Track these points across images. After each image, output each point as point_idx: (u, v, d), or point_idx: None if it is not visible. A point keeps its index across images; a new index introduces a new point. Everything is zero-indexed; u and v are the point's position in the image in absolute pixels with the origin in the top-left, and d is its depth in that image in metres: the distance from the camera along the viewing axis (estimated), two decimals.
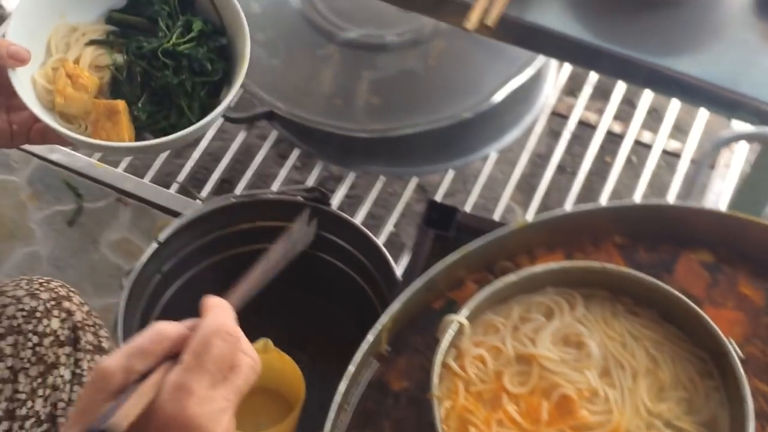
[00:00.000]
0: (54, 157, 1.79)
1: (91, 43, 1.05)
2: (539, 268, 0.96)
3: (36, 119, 1.00)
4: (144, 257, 1.36)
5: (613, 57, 1.08)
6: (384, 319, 0.94)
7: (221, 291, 1.40)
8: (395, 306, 0.95)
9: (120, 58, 1.04)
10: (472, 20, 1.04)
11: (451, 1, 1.10)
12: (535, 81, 1.74)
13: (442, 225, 1.12)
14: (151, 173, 1.82)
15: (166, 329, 0.73)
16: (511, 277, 0.95)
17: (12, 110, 1.02)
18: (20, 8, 1.00)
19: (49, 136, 1.04)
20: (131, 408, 0.68)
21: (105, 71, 1.04)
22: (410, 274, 1.12)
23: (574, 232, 1.01)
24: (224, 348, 0.73)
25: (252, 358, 0.76)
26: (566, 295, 0.97)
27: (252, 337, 1.30)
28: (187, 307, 1.15)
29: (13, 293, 1.07)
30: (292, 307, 1.52)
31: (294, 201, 1.43)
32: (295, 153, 1.82)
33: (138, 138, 1.02)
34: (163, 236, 1.38)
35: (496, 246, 1.00)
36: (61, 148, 1.80)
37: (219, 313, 0.77)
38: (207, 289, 1.40)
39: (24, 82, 0.98)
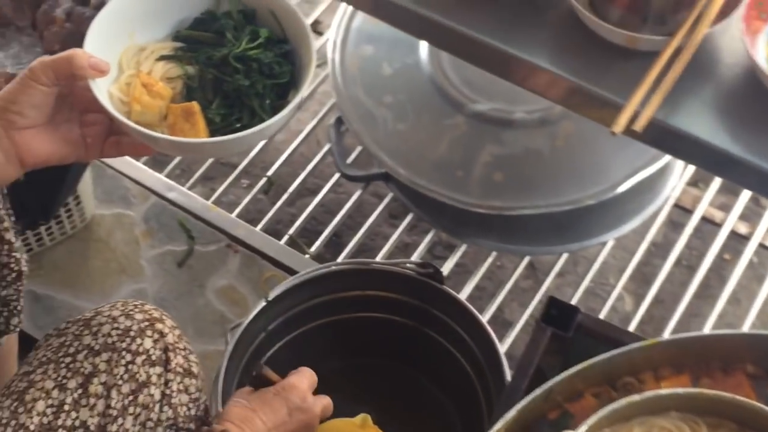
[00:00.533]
0: (171, 195, 1.81)
1: (161, 58, 1.10)
2: (665, 391, 0.92)
3: (109, 132, 1.06)
4: (252, 314, 1.36)
5: (761, 173, 1.04)
6: (498, 425, 0.91)
7: (323, 354, 1.40)
8: (511, 414, 0.92)
9: (191, 69, 1.09)
10: (621, 123, 1.00)
11: (600, 100, 1.07)
12: (662, 172, 1.69)
13: (561, 324, 1.09)
14: (263, 221, 1.82)
15: None
16: (635, 398, 0.91)
17: (85, 125, 1.05)
18: (92, 29, 1.06)
19: (123, 148, 1.08)
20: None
21: (177, 81, 1.09)
22: (522, 369, 1.09)
23: (704, 355, 0.96)
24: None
25: None
26: (691, 422, 0.92)
27: (351, 407, 1.30)
28: (287, 366, 1.17)
29: (108, 313, 1.13)
30: (393, 379, 1.50)
31: (407, 274, 1.41)
32: (408, 216, 1.81)
33: None
34: (272, 295, 1.38)
35: (622, 361, 0.96)
36: (179, 186, 1.82)
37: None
38: (310, 351, 1.40)
39: (102, 94, 1.02)
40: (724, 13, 1.06)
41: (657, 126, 1.05)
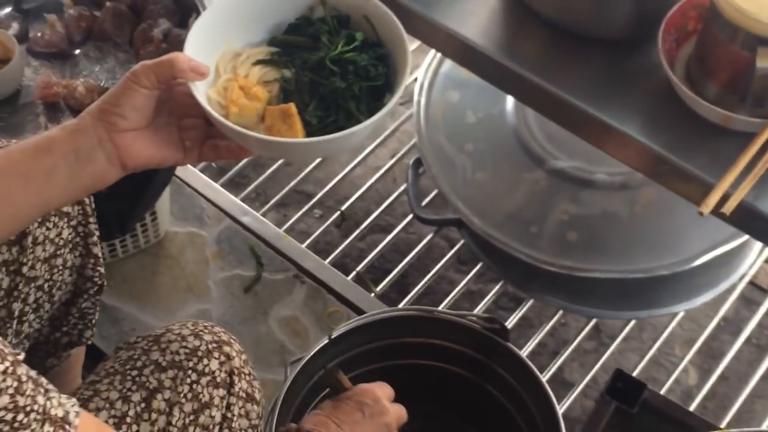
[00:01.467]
0: (245, 219, 1.82)
1: (257, 63, 1.11)
2: None
3: (206, 136, 1.07)
4: (313, 350, 1.36)
5: None
6: None
7: None
8: None
9: (287, 72, 1.10)
10: (710, 204, 0.99)
11: (688, 176, 1.05)
12: (741, 248, 1.66)
13: (626, 398, 1.07)
14: (333, 254, 1.83)
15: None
16: None
17: (183, 129, 1.07)
18: (191, 36, 1.06)
19: (220, 152, 1.09)
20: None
21: (273, 85, 1.10)
22: None
23: None
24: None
25: None
26: None
27: None
28: None
29: (179, 331, 1.14)
30: (446, 430, 1.48)
31: (471, 327, 1.40)
32: (478, 265, 1.79)
33: None
34: (335, 333, 1.38)
35: None
36: (253, 212, 1.84)
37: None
38: None
39: (202, 97, 1.03)
40: None
41: (745, 209, 1.03)
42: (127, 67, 1.49)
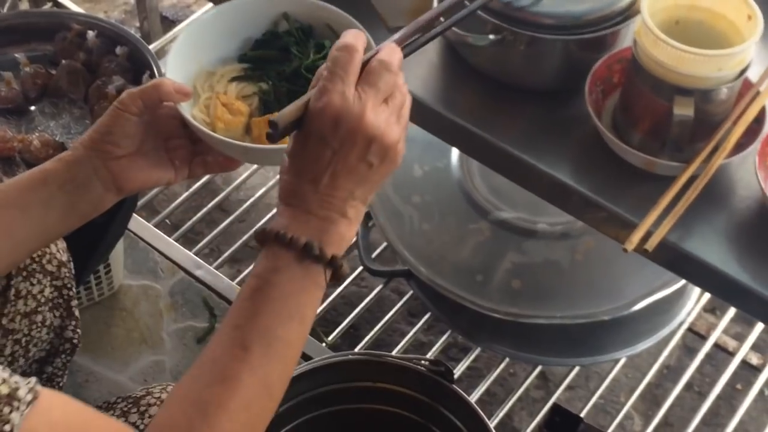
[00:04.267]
0: (198, 273, 1.85)
1: (233, 79, 1.16)
2: None
3: (193, 154, 1.12)
4: None
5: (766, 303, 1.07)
6: None
7: None
8: None
9: (264, 85, 1.15)
10: (633, 241, 1.04)
11: (615, 218, 1.11)
12: (678, 294, 1.72)
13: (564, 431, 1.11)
14: None
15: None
16: None
17: (170, 150, 1.11)
18: (169, 61, 1.13)
19: (209, 166, 1.14)
20: (291, 108, 0.89)
21: (252, 98, 1.15)
22: None
23: None
24: (389, 78, 0.90)
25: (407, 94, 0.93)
26: None
27: None
28: None
29: (159, 395, 1.16)
30: None
31: (417, 369, 1.43)
32: (426, 315, 1.83)
33: None
34: None
35: None
36: (206, 265, 1.87)
37: (391, 52, 0.92)
38: None
39: (188, 116, 1.08)
40: (741, 146, 1.11)
41: (669, 248, 1.09)
42: (81, 122, 1.54)
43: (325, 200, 0.90)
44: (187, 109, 1.10)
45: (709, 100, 1.07)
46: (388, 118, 0.91)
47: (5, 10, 1.91)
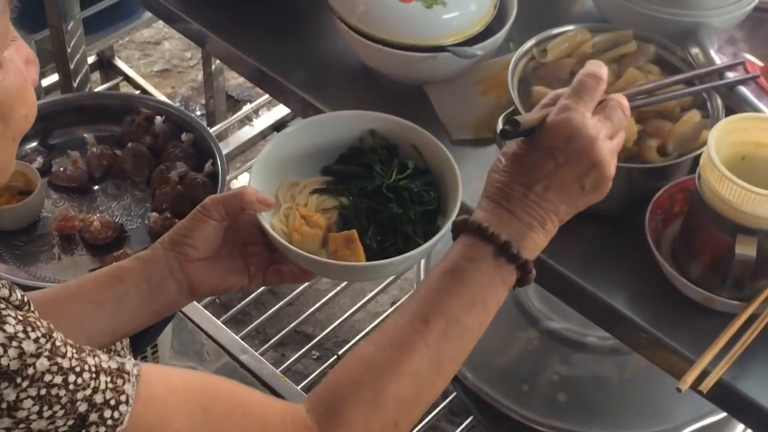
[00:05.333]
0: (243, 357, 1.86)
1: (314, 192, 1.16)
2: None
3: (269, 262, 1.12)
4: None
5: None
6: None
7: None
8: None
9: (345, 200, 1.15)
10: (687, 381, 1.02)
11: (669, 351, 1.09)
12: (727, 421, 1.68)
13: None
14: None
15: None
16: None
17: (247, 256, 1.12)
18: (254, 170, 1.13)
19: (284, 276, 1.13)
20: (533, 116, 0.97)
21: (332, 212, 1.15)
22: None
23: None
24: (622, 117, 0.99)
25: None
26: None
27: None
28: None
29: None
30: None
31: None
32: (469, 418, 1.81)
33: None
34: None
35: None
36: (251, 350, 1.87)
37: (623, 98, 1.00)
38: None
39: (267, 226, 1.09)
40: None
41: (723, 387, 1.07)
42: (142, 205, 1.56)
43: (532, 207, 0.96)
44: (266, 218, 1.10)
45: None
46: (612, 151, 0.98)
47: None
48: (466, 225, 0.97)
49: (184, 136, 1.59)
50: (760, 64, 1.27)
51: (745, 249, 1.04)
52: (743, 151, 1.11)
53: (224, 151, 2.19)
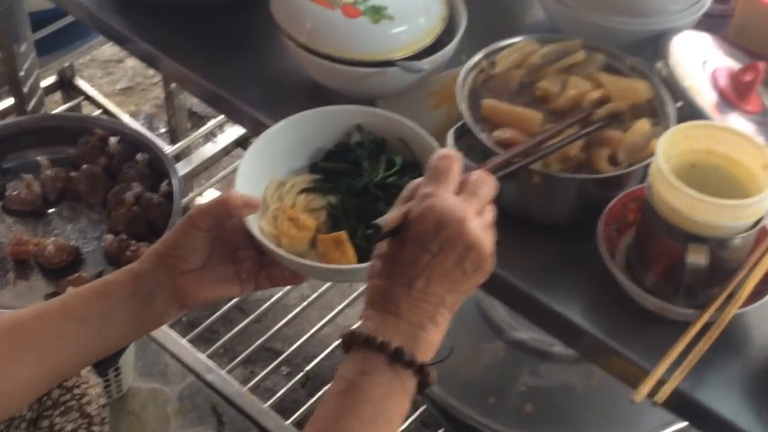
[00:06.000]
0: (209, 377, 1.83)
1: (302, 191, 1.15)
2: None
3: (260, 266, 1.09)
4: None
5: None
6: None
7: None
8: None
9: (333, 199, 1.13)
10: (642, 393, 1.01)
11: (624, 361, 1.08)
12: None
13: None
14: (297, 414, 1.83)
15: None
16: None
17: (237, 262, 1.09)
18: (240, 171, 1.11)
19: (275, 279, 1.11)
20: (394, 215, 0.91)
21: (320, 212, 1.13)
22: None
23: None
24: (487, 191, 0.95)
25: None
26: None
27: None
28: None
29: None
30: None
31: None
32: (440, 430, 1.80)
33: None
34: None
35: None
36: (217, 369, 1.85)
37: (488, 182, 0.95)
38: None
39: (255, 230, 1.07)
40: (758, 294, 1.08)
41: (681, 397, 1.06)
42: (98, 227, 1.54)
43: (418, 305, 0.90)
44: (254, 221, 1.08)
45: (723, 248, 1.05)
46: (485, 227, 0.93)
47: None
48: (354, 338, 0.90)
49: (139, 156, 1.58)
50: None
51: (697, 257, 1.03)
52: (693, 159, 1.10)
53: (188, 168, 2.22)
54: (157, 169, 1.57)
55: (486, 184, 0.94)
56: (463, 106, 1.17)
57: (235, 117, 1.38)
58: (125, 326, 1.05)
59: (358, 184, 1.14)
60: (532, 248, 1.19)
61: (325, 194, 1.15)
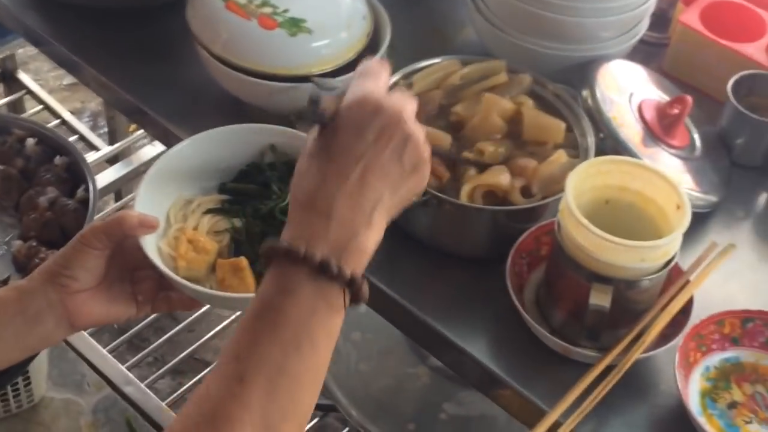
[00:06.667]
0: (127, 389, 1.78)
1: (208, 211, 1.10)
2: None
3: (159, 287, 1.04)
4: None
5: None
6: None
7: None
8: None
9: (238, 222, 1.08)
10: None
11: (524, 401, 1.04)
12: None
13: None
14: None
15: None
16: None
17: (136, 282, 1.04)
18: (143, 185, 1.06)
19: (173, 303, 1.05)
20: (330, 96, 0.81)
21: (224, 235, 1.08)
22: None
23: None
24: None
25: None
26: None
27: None
28: None
29: None
30: None
31: None
32: None
33: None
34: None
35: None
36: (137, 381, 1.80)
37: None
38: None
39: (152, 251, 1.02)
40: (665, 338, 1.05)
41: None
42: (10, 231, 1.48)
43: (353, 200, 0.80)
44: (153, 241, 1.04)
45: (630, 288, 1.01)
46: (421, 131, 0.84)
47: None
48: (273, 250, 0.80)
49: (57, 160, 1.52)
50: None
51: (599, 299, 0.99)
52: (607, 194, 1.06)
53: (128, 169, 2.17)
54: (75, 175, 1.51)
55: (410, 96, 0.85)
56: None
57: (149, 129, 1.33)
58: (12, 344, 0.99)
59: (264, 207, 1.09)
60: (440, 279, 1.15)
61: (231, 216, 1.10)
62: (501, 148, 1.13)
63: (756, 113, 1.26)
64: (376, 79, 0.84)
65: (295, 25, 1.19)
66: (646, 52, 1.39)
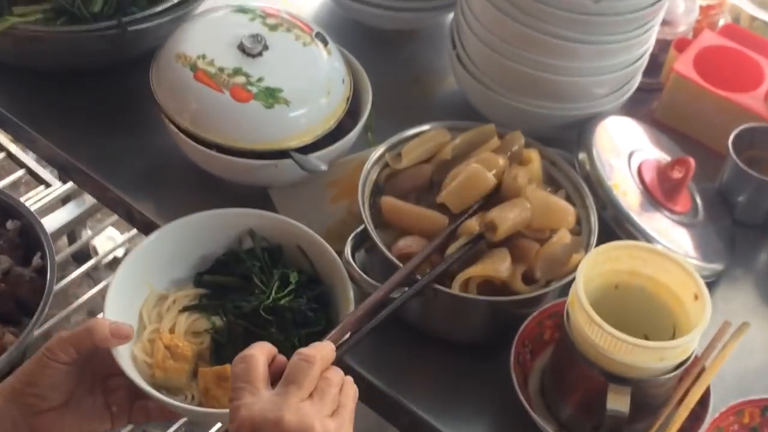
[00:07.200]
0: None
1: (185, 309, 1.01)
2: None
3: (135, 396, 0.96)
4: None
5: None
6: None
7: None
8: None
9: (218, 321, 0.99)
10: None
11: None
12: None
13: None
14: None
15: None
16: None
17: (109, 391, 0.96)
18: (110, 292, 0.97)
19: (151, 413, 0.97)
20: None
21: (204, 335, 1.00)
22: None
23: None
24: (310, 371, 0.80)
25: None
26: None
27: None
28: None
29: None
30: None
31: None
32: None
33: None
34: None
35: None
36: None
37: (312, 346, 0.82)
38: None
39: (125, 359, 0.93)
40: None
41: None
42: None
43: None
44: (126, 348, 0.95)
45: (648, 387, 0.94)
46: (318, 411, 0.78)
47: None
48: None
49: (9, 224, 1.41)
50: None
51: (618, 403, 0.92)
52: (616, 279, 0.99)
53: (80, 210, 2.04)
54: (30, 239, 1.40)
55: (307, 363, 0.80)
56: (365, 211, 1.04)
57: (108, 203, 1.22)
58: None
59: (247, 305, 0.99)
60: (435, 368, 1.07)
61: (210, 314, 1.01)
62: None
63: (757, 166, 1.21)
64: (249, 382, 0.79)
65: (271, 96, 1.09)
66: (636, 99, 1.32)
